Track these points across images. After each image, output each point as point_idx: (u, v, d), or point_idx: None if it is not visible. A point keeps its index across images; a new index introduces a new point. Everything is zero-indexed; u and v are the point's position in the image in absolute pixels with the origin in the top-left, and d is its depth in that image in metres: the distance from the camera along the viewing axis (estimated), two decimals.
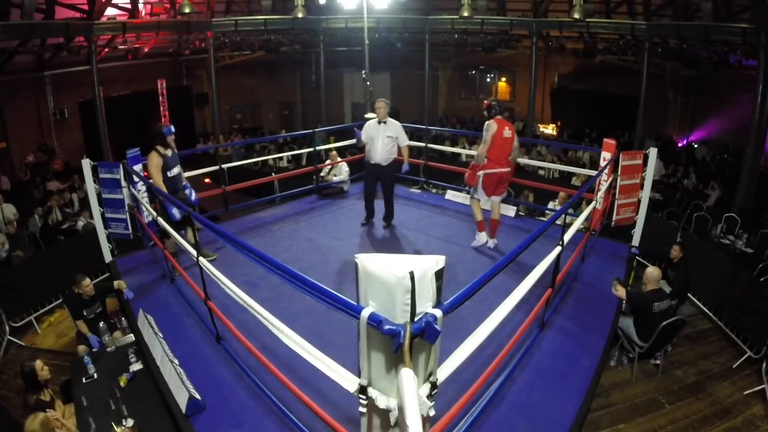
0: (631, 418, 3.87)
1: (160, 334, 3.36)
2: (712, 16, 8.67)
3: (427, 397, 1.74)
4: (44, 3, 9.02)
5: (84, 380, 3.35)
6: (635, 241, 4.98)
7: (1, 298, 5.11)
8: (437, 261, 1.69)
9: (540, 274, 2.85)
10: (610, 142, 5.06)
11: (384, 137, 5.03)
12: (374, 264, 1.68)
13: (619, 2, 11.11)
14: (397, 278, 1.57)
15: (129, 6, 10.75)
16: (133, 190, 4.65)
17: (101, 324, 4.01)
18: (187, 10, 9.79)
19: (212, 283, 2.97)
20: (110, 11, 10.56)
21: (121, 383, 3.26)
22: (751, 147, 8.58)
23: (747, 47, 8.96)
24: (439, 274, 1.69)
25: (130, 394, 3.16)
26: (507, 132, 4.51)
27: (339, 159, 7.00)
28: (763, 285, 5.23)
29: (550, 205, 6.90)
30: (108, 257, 4.80)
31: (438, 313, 1.64)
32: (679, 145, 13.02)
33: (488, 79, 16.52)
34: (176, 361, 3.08)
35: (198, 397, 2.76)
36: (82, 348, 4.05)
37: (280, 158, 10.85)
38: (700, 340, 5.11)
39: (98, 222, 4.74)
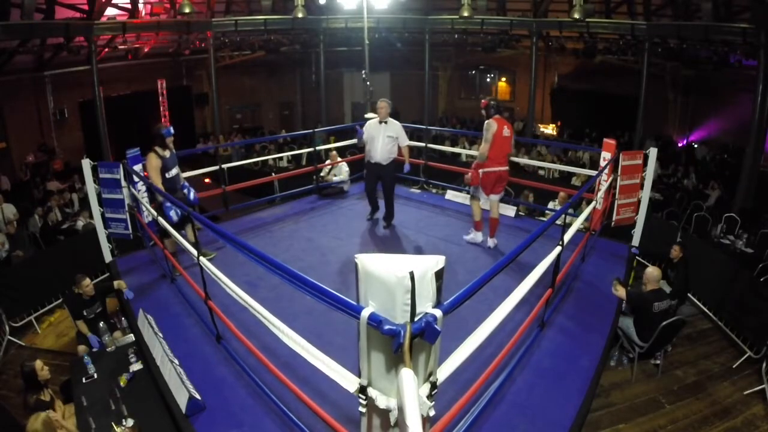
0: (631, 418, 3.87)
1: (160, 334, 3.36)
2: (712, 16, 8.68)
3: (427, 397, 1.74)
4: (44, 3, 9.02)
5: (84, 380, 3.35)
6: (635, 241, 4.98)
7: (1, 298, 5.11)
8: (437, 261, 1.69)
9: (540, 274, 2.85)
10: (610, 142, 5.06)
11: (384, 137, 5.05)
12: (374, 264, 1.68)
13: (619, 2, 11.12)
14: (397, 278, 1.57)
15: (129, 6, 10.75)
16: (133, 190, 4.65)
17: (101, 324, 4.01)
18: (187, 10, 9.79)
19: (212, 282, 2.97)
20: (110, 11, 10.57)
21: (121, 383, 3.26)
22: (751, 147, 8.58)
23: (747, 47, 8.97)
24: (439, 274, 1.69)
25: (130, 394, 3.16)
26: (506, 131, 4.55)
27: (339, 159, 7.00)
28: (763, 285, 5.23)
29: (550, 205, 6.90)
30: (108, 257, 4.80)
31: (438, 313, 1.63)
32: (679, 145, 13.03)
33: (488, 79, 16.53)
34: (176, 361, 3.08)
35: (198, 397, 2.76)
36: (82, 348, 4.05)
37: (280, 158, 10.85)
38: (700, 340, 5.11)
39: (98, 222, 4.74)
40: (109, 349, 3.71)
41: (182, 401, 2.74)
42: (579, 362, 3.17)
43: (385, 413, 1.76)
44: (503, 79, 16.16)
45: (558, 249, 3.15)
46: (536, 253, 3.07)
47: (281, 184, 8.09)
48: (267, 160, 10.59)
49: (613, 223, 5.08)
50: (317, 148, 6.88)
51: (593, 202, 4.69)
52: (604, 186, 4.86)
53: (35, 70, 11.01)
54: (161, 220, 3.94)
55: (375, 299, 1.68)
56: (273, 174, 8.65)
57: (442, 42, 13.97)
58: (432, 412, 1.79)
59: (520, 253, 2.50)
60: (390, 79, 16.01)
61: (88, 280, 4.14)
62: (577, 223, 3.81)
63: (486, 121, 4.53)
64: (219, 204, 5.88)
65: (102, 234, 4.74)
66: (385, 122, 5.06)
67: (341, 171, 6.83)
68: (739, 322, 5.06)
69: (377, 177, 5.27)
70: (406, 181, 6.95)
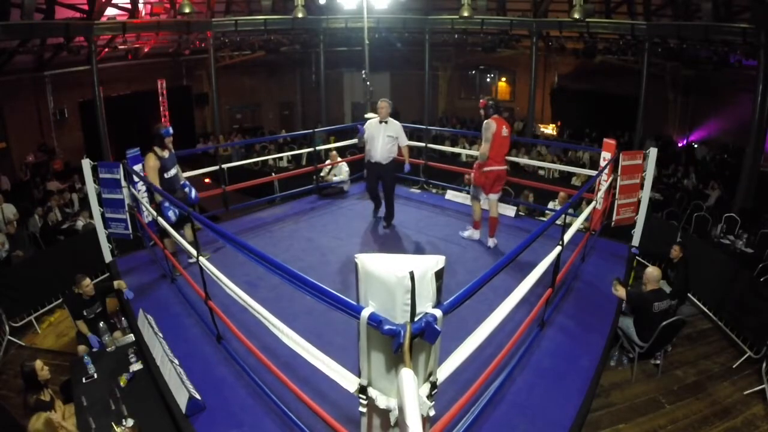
0: (631, 418, 3.87)
1: (160, 334, 3.36)
2: (712, 16, 8.68)
3: (427, 397, 1.74)
4: (44, 3, 9.02)
5: (84, 380, 3.35)
6: (635, 241, 4.98)
7: (1, 298, 5.11)
8: (437, 261, 1.69)
9: (540, 274, 2.85)
10: (610, 142, 5.06)
11: (384, 137, 5.07)
12: (374, 264, 1.68)
13: (619, 2, 11.12)
14: (397, 278, 1.58)
15: (129, 6, 10.75)
16: (133, 190, 4.65)
17: (101, 324, 4.01)
18: (187, 10, 9.79)
19: (212, 282, 2.97)
20: (110, 11, 10.56)
21: (121, 383, 3.25)
22: (751, 147, 8.59)
23: (747, 47, 8.97)
24: (439, 274, 1.69)
25: (130, 394, 3.16)
26: (505, 131, 4.59)
27: (339, 159, 7.00)
28: (763, 285, 5.23)
29: (550, 205, 6.89)
30: (108, 257, 4.80)
31: (438, 313, 1.64)
32: (679, 145, 13.03)
33: (488, 79, 16.53)
34: (176, 361, 3.08)
35: (198, 397, 2.76)
36: (82, 348, 4.05)
37: (280, 158, 10.85)
38: (700, 340, 5.11)
39: (98, 222, 4.74)
40: (109, 349, 3.71)
41: (182, 401, 2.74)
42: (579, 362, 3.17)
43: (385, 413, 1.76)
44: (503, 79, 16.16)
45: (558, 249, 3.15)
46: (536, 253, 3.07)
47: (281, 184, 8.09)
48: (267, 160, 10.59)
49: (613, 223, 5.08)
50: (317, 148, 6.88)
51: (593, 202, 4.69)
52: (604, 186, 4.86)
53: (35, 70, 11.01)
54: (161, 220, 3.94)
55: (375, 299, 1.68)
56: (273, 174, 8.65)
57: (442, 42, 13.97)
58: (432, 412, 1.79)
59: (520, 253, 2.50)
60: (390, 79, 16.00)
61: (88, 280, 4.14)
62: (577, 223, 3.81)
63: (485, 121, 4.55)
64: (219, 204, 5.88)
65: (102, 234, 4.74)
66: (385, 122, 5.08)
67: (341, 171, 6.83)
68: (739, 322, 5.06)
69: (377, 177, 5.28)
70: (406, 181, 6.95)
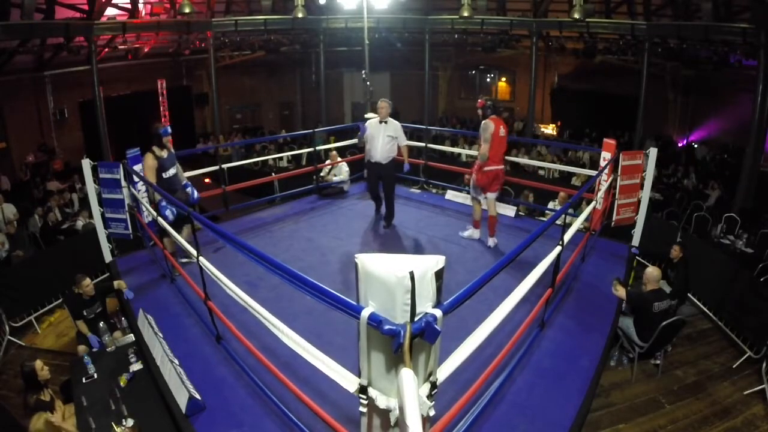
0: (631, 418, 3.87)
1: (160, 334, 3.36)
2: (712, 16, 8.68)
3: (427, 397, 1.74)
4: (44, 3, 9.02)
5: (84, 380, 3.35)
6: (635, 241, 4.98)
7: (1, 298, 5.11)
8: (437, 261, 1.69)
9: (540, 274, 2.85)
10: (610, 142, 5.07)
11: (384, 136, 5.10)
12: (374, 264, 1.68)
13: (619, 2, 11.11)
14: (397, 278, 1.58)
15: (129, 6, 10.75)
16: (133, 190, 4.65)
17: (101, 324, 4.01)
18: (187, 10, 9.79)
19: (212, 283, 2.97)
20: (110, 11, 10.56)
21: (121, 383, 3.25)
22: (751, 147, 8.58)
23: (747, 47, 8.96)
24: (439, 274, 1.69)
25: (130, 394, 3.16)
26: (502, 131, 4.64)
27: (339, 159, 7.00)
28: (763, 285, 5.23)
29: (550, 205, 6.90)
30: (108, 257, 4.80)
31: (438, 313, 1.64)
32: (679, 145, 13.02)
33: (488, 79, 16.53)
34: (176, 361, 3.08)
35: (198, 397, 2.76)
36: (82, 348, 4.05)
37: (280, 158, 10.85)
38: (700, 340, 5.11)
39: (98, 222, 4.74)
40: (109, 349, 3.71)
41: (182, 401, 2.74)
42: (579, 362, 3.17)
43: (385, 413, 1.76)
44: (503, 79, 16.15)
45: (558, 249, 3.15)
46: (536, 253, 3.07)
47: (281, 184, 8.09)
48: (267, 160, 10.59)
49: (613, 223, 5.08)
50: (317, 148, 6.88)
51: (593, 202, 4.69)
52: (604, 186, 4.86)
53: (35, 70, 11.01)
54: (161, 219, 3.94)
55: (375, 299, 1.68)
56: (273, 174, 8.65)
57: (442, 42, 13.96)
58: (432, 412, 1.79)
59: (520, 253, 2.50)
60: (390, 79, 16.00)
61: (88, 280, 4.14)
62: (577, 223, 3.81)
63: (483, 122, 4.60)
64: (219, 204, 5.88)
65: (102, 234, 4.74)
66: (385, 122, 5.10)
67: (341, 171, 6.84)
68: (739, 322, 5.05)
69: (378, 177, 5.30)
70: (406, 181, 6.95)
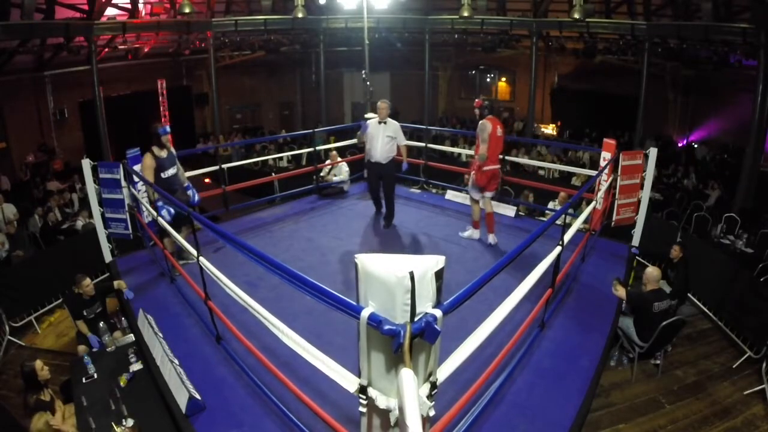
0: (631, 418, 3.87)
1: (160, 334, 3.36)
2: (712, 16, 8.67)
3: (427, 397, 1.75)
4: (44, 3, 9.02)
5: (84, 380, 3.35)
6: (635, 241, 4.98)
7: (1, 298, 5.11)
8: (437, 261, 1.69)
9: (540, 274, 2.85)
10: (610, 142, 5.07)
11: (384, 137, 5.14)
12: (374, 264, 1.68)
13: (619, 2, 11.11)
14: (397, 278, 1.58)
15: (129, 6, 10.75)
16: (133, 190, 4.65)
17: (101, 324, 4.01)
18: (187, 10, 9.79)
19: (212, 282, 2.97)
20: (110, 11, 10.56)
21: (121, 383, 3.26)
22: (751, 147, 8.58)
23: (747, 47, 8.96)
24: (439, 274, 1.69)
25: (130, 394, 3.16)
26: (499, 130, 4.70)
27: (339, 159, 7.00)
28: (763, 285, 5.22)
29: (550, 205, 6.90)
30: (108, 257, 4.80)
31: (438, 313, 1.64)
32: (679, 145, 13.02)
33: (488, 79, 16.52)
34: (176, 361, 3.08)
35: (198, 397, 2.76)
36: (82, 348, 4.05)
37: (280, 158, 10.85)
38: (700, 340, 5.11)
39: (98, 222, 4.74)
40: (109, 349, 3.71)
41: (182, 401, 2.74)
42: (579, 362, 3.17)
43: (385, 413, 1.76)
44: (503, 79, 16.15)
45: (558, 249, 3.15)
46: (536, 253, 3.07)
47: (281, 184, 8.09)
48: (267, 160, 10.59)
49: (613, 223, 5.09)
50: (317, 148, 6.89)
51: (593, 202, 4.69)
52: (604, 186, 4.86)
53: (35, 70, 11.01)
54: (161, 219, 3.94)
55: (375, 299, 1.68)
56: (273, 174, 8.65)
57: (442, 42, 13.96)
58: (432, 412, 1.79)
59: (520, 253, 2.50)
60: (390, 79, 16.00)
61: (88, 280, 4.14)
62: (577, 223, 3.81)
63: (481, 122, 4.66)
64: (219, 204, 5.88)
65: (102, 234, 4.74)
66: (384, 122, 5.16)
67: (341, 171, 6.84)
68: (739, 322, 5.05)
69: (378, 176, 5.34)
70: (406, 181, 6.95)
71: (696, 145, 12.62)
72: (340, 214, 6.00)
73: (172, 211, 3.99)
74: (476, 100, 4.82)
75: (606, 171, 4.77)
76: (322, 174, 6.81)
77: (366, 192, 6.01)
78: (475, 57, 15.08)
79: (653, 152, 4.78)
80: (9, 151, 10.75)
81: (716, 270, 5.60)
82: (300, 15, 10.22)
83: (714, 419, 3.91)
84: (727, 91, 11.34)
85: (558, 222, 3.29)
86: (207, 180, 8.26)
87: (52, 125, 11.73)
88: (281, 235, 5.37)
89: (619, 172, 4.87)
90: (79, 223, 7.24)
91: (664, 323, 3.95)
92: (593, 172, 5.91)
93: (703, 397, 4.17)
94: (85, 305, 4.13)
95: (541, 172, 9.99)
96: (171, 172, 4.35)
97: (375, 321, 1.60)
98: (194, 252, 3.15)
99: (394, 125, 5.20)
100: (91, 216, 5.62)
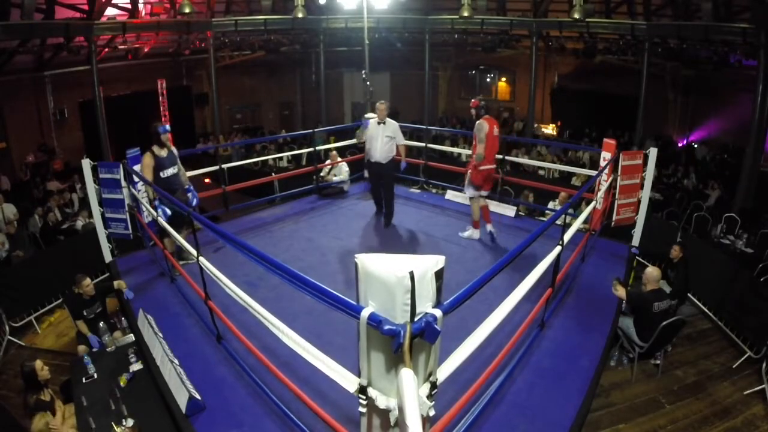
0: (631, 418, 3.86)
1: (160, 334, 3.36)
2: (712, 16, 8.67)
3: (427, 397, 1.75)
4: (44, 3, 9.02)
5: (84, 380, 3.35)
6: (635, 241, 4.98)
7: (1, 298, 5.11)
8: (437, 261, 1.69)
9: (540, 274, 2.85)
10: (610, 142, 5.07)
11: (383, 137, 5.19)
12: (374, 264, 1.68)
13: (619, 2, 11.11)
14: (397, 278, 1.58)
15: (129, 6, 10.74)
16: (133, 190, 4.65)
17: (101, 324, 4.01)
18: (187, 10, 9.79)
19: (212, 282, 2.97)
20: (110, 11, 10.56)
21: (121, 383, 3.26)
22: (751, 147, 8.58)
23: (747, 47, 8.96)
24: (439, 274, 1.69)
25: (130, 394, 3.16)
26: (496, 130, 4.74)
27: (339, 159, 7.00)
28: (763, 285, 5.22)
29: (550, 205, 6.90)
30: (108, 257, 4.80)
31: (438, 313, 1.64)
32: (679, 145, 13.02)
33: (488, 79, 16.51)
34: (176, 361, 3.08)
35: (198, 397, 2.76)
36: (82, 348, 4.05)
37: (280, 158, 10.85)
38: (700, 340, 5.11)
39: (98, 222, 4.74)
40: (109, 349, 3.71)
41: (182, 401, 2.74)
42: (579, 362, 3.17)
43: (385, 413, 1.76)
44: (503, 79, 16.14)
45: (558, 249, 3.15)
46: (536, 253, 3.07)
47: (281, 184, 8.09)
48: (267, 160, 10.59)
49: (613, 223, 5.09)
50: (317, 148, 6.89)
51: (593, 202, 4.69)
52: (604, 186, 4.86)
53: (35, 70, 11.00)
54: (160, 219, 3.94)
55: (375, 299, 1.68)
56: (273, 174, 8.65)
57: (442, 42, 13.95)
58: (432, 412, 1.79)
59: (519, 253, 2.50)
60: (390, 79, 16.00)
61: (88, 280, 4.14)
62: (577, 223, 3.81)
63: (478, 122, 4.69)
64: (219, 204, 5.88)
65: (102, 234, 4.74)
66: (384, 123, 5.21)
67: (341, 171, 6.84)
68: (739, 322, 5.05)
69: (378, 175, 5.38)
70: (406, 181, 6.95)
71: (696, 145, 12.61)
72: (340, 214, 6.00)
73: (168, 211, 3.98)
74: (472, 100, 4.84)
75: (606, 171, 4.77)
76: (322, 174, 6.81)
77: (366, 192, 6.02)
78: (475, 57, 15.08)
79: (653, 152, 4.78)
80: (9, 151, 10.74)
81: (716, 270, 5.60)
82: (300, 15, 10.23)
83: (714, 419, 3.91)
84: (727, 91, 11.34)
85: (558, 222, 3.29)
86: (207, 180, 8.25)
87: (52, 125, 11.73)
88: (281, 235, 5.37)
89: (619, 172, 4.87)
90: (79, 223, 7.24)
91: (664, 323, 3.95)
92: (593, 172, 5.92)
93: (703, 397, 4.16)
94: (85, 305, 4.13)
95: (541, 172, 9.99)
96: (170, 171, 4.35)
97: (375, 321, 1.60)
98: (194, 252, 3.15)
99: (393, 125, 5.24)
100: (91, 216, 5.62)
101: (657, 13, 10.54)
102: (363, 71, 7.95)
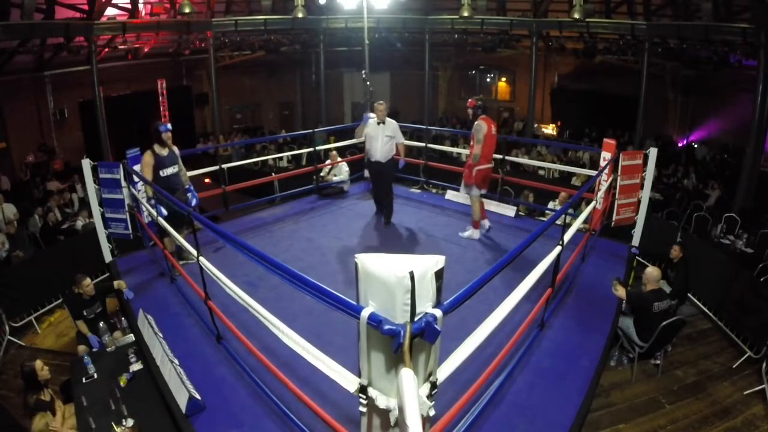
0: (631, 418, 3.86)
1: (160, 334, 3.36)
2: (712, 16, 8.67)
3: (427, 397, 1.75)
4: (44, 3, 9.02)
5: (84, 380, 3.35)
6: (635, 241, 4.98)
7: (1, 298, 5.11)
8: (437, 261, 1.69)
9: (540, 274, 2.85)
10: (610, 142, 5.08)
11: (383, 136, 5.22)
12: (374, 264, 1.68)
13: (619, 2, 11.11)
14: (397, 278, 1.58)
15: (129, 6, 10.75)
16: (133, 190, 4.65)
17: (101, 324, 4.01)
18: (187, 10, 9.79)
19: (212, 282, 2.97)
20: (110, 11, 10.56)
21: (121, 383, 3.25)
22: (751, 147, 8.58)
23: (747, 47, 8.96)
24: (439, 274, 1.69)
25: (130, 394, 3.16)
26: (494, 130, 4.78)
27: (339, 159, 7.00)
28: (763, 285, 5.23)
29: (550, 205, 6.90)
30: (108, 257, 4.80)
31: (438, 313, 1.64)
32: (679, 145, 13.02)
33: (488, 79, 16.52)
34: (176, 361, 3.08)
35: (198, 397, 2.76)
36: (82, 348, 4.05)
37: (280, 158, 10.85)
38: (700, 340, 5.11)
39: (98, 222, 4.74)
40: (109, 349, 3.71)
41: (182, 401, 2.74)
42: (579, 362, 3.17)
43: (385, 413, 1.76)
44: (503, 79, 16.14)
45: (558, 249, 3.15)
46: (536, 253, 3.07)
47: (281, 184, 8.09)
48: (267, 160, 10.59)
49: (613, 223, 5.09)
50: (317, 148, 6.89)
51: (593, 202, 4.69)
52: (604, 186, 4.86)
53: (35, 70, 11.01)
54: (160, 219, 3.94)
55: (375, 299, 1.68)
56: (273, 174, 8.65)
57: (442, 42, 13.96)
58: (432, 412, 1.79)
59: (519, 253, 2.50)
60: (390, 79, 16.00)
61: (88, 280, 4.14)
62: (577, 223, 3.81)
63: (476, 123, 4.71)
64: (219, 204, 5.88)
65: (102, 234, 4.74)
66: (383, 122, 5.23)
67: (341, 171, 6.84)
68: (739, 322, 5.05)
69: (378, 174, 5.40)
70: (406, 181, 6.95)
71: (696, 145, 12.61)
72: (340, 214, 6.00)
73: (164, 211, 3.97)
74: (469, 99, 4.87)
75: (606, 171, 4.78)
76: (322, 174, 6.81)
77: (366, 192, 6.02)
78: (475, 57, 15.08)
79: (653, 152, 4.78)
80: (9, 151, 10.74)
81: (716, 270, 5.60)
82: (300, 15, 10.23)
83: (714, 419, 3.91)
84: (727, 91, 11.34)
85: (558, 222, 3.29)
86: (207, 180, 8.25)
87: (52, 125, 11.73)
88: (281, 235, 5.37)
89: (619, 172, 4.87)
90: (79, 223, 7.24)
91: (664, 323, 3.95)
92: (593, 172, 5.92)
93: (703, 397, 4.16)
94: (85, 305, 4.13)
95: (541, 172, 9.99)
96: (170, 171, 4.35)
97: (375, 321, 1.60)
98: (194, 252, 3.15)
99: (392, 125, 5.26)
100: (91, 216, 5.62)
101: (657, 13, 10.54)
102: (363, 71, 7.95)
